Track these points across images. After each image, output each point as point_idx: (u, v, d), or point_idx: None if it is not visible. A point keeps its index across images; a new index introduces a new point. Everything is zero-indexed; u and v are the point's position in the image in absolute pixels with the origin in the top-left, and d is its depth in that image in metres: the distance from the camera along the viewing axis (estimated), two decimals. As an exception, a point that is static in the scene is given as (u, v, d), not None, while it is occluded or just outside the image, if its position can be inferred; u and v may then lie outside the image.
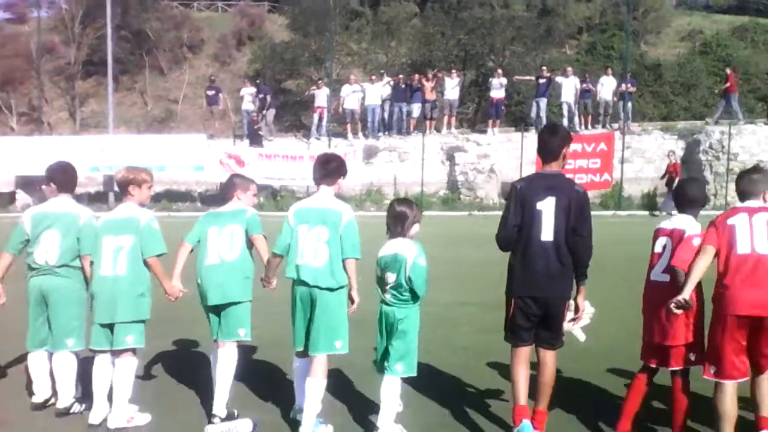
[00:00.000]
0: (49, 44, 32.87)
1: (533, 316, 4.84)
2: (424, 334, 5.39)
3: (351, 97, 25.57)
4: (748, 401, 4.86)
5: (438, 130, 26.36)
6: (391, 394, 4.97)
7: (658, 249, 4.91)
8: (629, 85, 25.32)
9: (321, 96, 25.98)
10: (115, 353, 5.34)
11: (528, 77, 26.74)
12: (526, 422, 4.73)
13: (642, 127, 26.16)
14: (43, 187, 5.81)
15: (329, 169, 5.19)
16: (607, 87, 25.52)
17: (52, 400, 5.66)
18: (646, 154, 24.71)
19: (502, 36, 31.49)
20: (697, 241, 4.72)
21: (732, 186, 21.85)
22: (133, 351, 5.40)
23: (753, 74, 31.33)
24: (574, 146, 23.57)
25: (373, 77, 26.45)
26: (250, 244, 5.47)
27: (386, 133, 25.99)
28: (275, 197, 23.76)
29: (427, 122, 25.95)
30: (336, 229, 4.96)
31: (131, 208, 5.35)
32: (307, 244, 4.98)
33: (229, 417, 5.37)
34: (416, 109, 25.80)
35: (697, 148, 24.18)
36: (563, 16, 36.86)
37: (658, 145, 24.89)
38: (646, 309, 4.98)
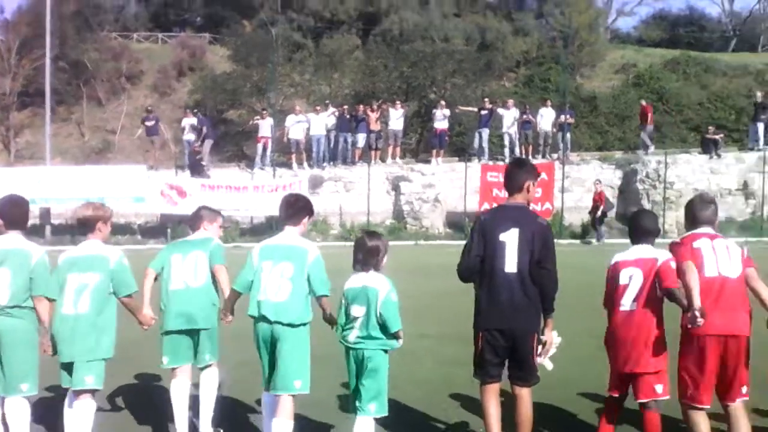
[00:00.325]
0: (-16, 75, 31.97)
1: (501, 349, 4.82)
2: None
3: (296, 127, 25.58)
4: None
5: (383, 160, 26.50)
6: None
7: (623, 281, 4.91)
8: (568, 116, 25.99)
9: (265, 126, 25.88)
10: (74, 394, 5.18)
11: (470, 108, 27.18)
12: None
13: (581, 157, 26.81)
14: None
15: (295, 208, 5.23)
16: (546, 118, 26.16)
17: None
18: (585, 184, 25.27)
19: (443, 69, 31.95)
20: (674, 264, 4.86)
21: (670, 214, 22.84)
22: (92, 393, 5.19)
23: (685, 105, 32.46)
24: (517, 176, 24.07)
25: (318, 108, 26.50)
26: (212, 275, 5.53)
27: (331, 163, 26.01)
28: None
29: (372, 152, 26.11)
30: (302, 266, 4.93)
31: (97, 246, 5.25)
32: (271, 280, 4.94)
33: None
34: (361, 139, 25.97)
35: (634, 178, 24.88)
36: (501, 50, 37.68)
37: (596, 174, 25.50)
38: (614, 339, 4.95)
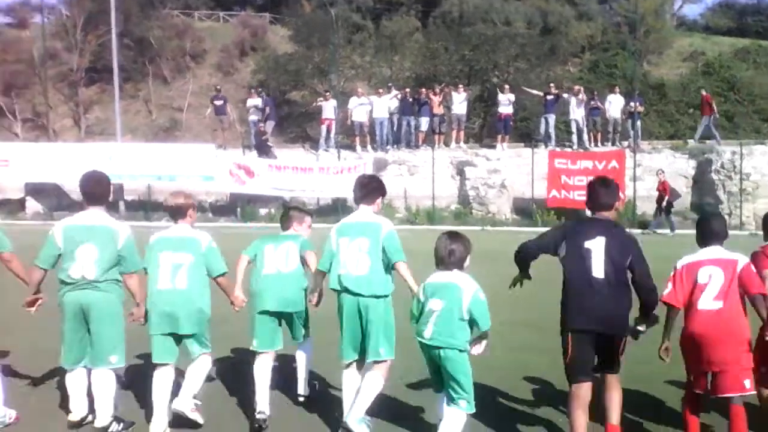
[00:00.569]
0: (52, 50, 32.48)
1: (589, 349, 4.88)
2: None
3: (359, 109, 25.46)
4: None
5: (446, 144, 26.26)
6: (454, 428, 4.87)
7: (703, 279, 4.92)
8: (638, 104, 25.37)
9: (328, 108, 25.82)
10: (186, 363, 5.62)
11: (535, 91, 26.75)
12: None
13: (652, 146, 26.17)
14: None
15: (369, 189, 5.56)
16: (615, 105, 25.58)
17: (89, 418, 5.52)
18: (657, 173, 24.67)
19: (505, 52, 31.52)
20: (753, 267, 4.98)
21: (747, 206, 22.23)
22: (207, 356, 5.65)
23: (757, 95, 31.52)
24: (585, 163, 23.69)
25: (380, 90, 26.34)
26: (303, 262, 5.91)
27: (395, 146, 25.86)
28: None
29: (436, 136, 25.88)
30: (377, 240, 5.22)
31: (188, 230, 5.58)
32: (349, 255, 5.26)
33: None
34: (424, 122, 25.74)
35: (708, 168, 24.21)
36: (565, 35, 37.03)
37: (668, 163, 24.86)
38: (696, 338, 4.92)
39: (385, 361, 5.28)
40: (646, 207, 22.54)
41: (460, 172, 25.09)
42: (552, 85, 26.40)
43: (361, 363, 5.42)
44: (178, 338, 5.46)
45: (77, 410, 5.47)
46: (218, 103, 26.58)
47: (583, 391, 4.86)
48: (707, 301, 4.85)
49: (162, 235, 5.57)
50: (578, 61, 36.68)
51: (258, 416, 5.55)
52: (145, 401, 5.75)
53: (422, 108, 25.77)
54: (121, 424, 5.43)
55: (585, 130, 25.50)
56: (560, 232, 5.12)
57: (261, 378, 5.71)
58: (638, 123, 25.50)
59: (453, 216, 23.37)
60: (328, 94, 26.57)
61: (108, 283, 5.36)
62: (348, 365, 5.41)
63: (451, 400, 4.87)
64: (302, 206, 23.39)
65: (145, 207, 22.90)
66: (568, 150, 25.04)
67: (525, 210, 23.79)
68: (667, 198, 21.72)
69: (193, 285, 5.40)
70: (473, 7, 39.56)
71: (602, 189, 5.07)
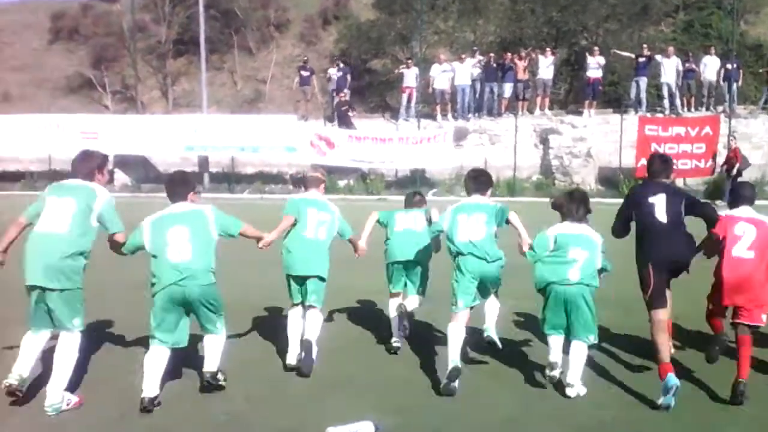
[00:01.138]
0: (141, 23, 33.33)
1: (666, 276, 6.12)
2: None
3: (441, 76, 25.07)
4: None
5: (530, 111, 25.63)
6: (582, 357, 5.95)
7: (739, 233, 6.10)
8: (735, 66, 24.00)
9: (410, 76, 25.52)
10: (306, 308, 6.51)
11: (627, 54, 25.69)
12: (671, 375, 5.62)
13: (748, 110, 24.81)
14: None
15: (480, 182, 6.58)
16: (710, 67, 24.34)
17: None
18: (752, 140, 23.39)
19: (595, 13, 30.36)
20: None
21: None
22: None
23: None
24: (678, 129, 22.66)
25: (463, 56, 25.83)
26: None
27: (476, 114, 25.42)
28: (365, 180, 23.53)
29: (520, 103, 25.28)
30: (491, 215, 6.30)
31: (321, 196, 6.86)
32: (470, 226, 6.28)
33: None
34: (508, 89, 25.17)
35: (810, 134, 22.80)
36: (659, -8, 35.31)
37: (765, 129, 23.57)
38: (726, 278, 6.07)
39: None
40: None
41: (544, 141, 24.46)
42: (645, 46, 25.32)
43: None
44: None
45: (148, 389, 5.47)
46: (305, 74, 26.67)
47: (662, 315, 6.02)
48: (740, 251, 6.07)
49: (305, 197, 6.80)
50: (672, 21, 34.96)
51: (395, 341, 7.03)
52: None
53: (506, 74, 25.16)
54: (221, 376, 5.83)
55: (677, 94, 24.40)
56: (629, 201, 6.44)
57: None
58: (734, 86, 24.17)
59: (534, 187, 22.87)
60: (409, 61, 26.24)
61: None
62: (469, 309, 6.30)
63: (579, 336, 5.93)
64: (380, 178, 23.61)
65: (229, 179, 23.33)
66: (660, 116, 24.01)
67: (611, 180, 22.98)
68: (738, 166, 20.51)
69: (329, 239, 6.67)
70: (561, -34, 38.19)
71: (659, 161, 6.63)
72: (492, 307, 6.68)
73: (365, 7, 36.71)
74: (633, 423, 5.43)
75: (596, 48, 25.77)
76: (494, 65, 25.26)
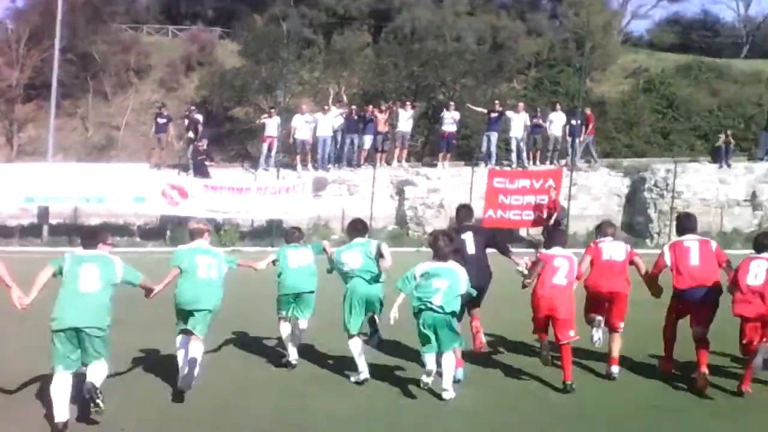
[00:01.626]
0: (-9, 67, 31.85)
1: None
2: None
3: (303, 127, 25.24)
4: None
5: (389, 163, 26.21)
6: (452, 365, 7.79)
7: (557, 264, 8.43)
8: (579, 122, 25.55)
9: (271, 125, 25.48)
10: (188, 338, 8.09)
11: (479, 109, 26.80)
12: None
13: (588, 164, 26.40)
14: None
15: (358, 228, 8.91)
16: (556, 123, 25.78)
17: None
18: (591, 191, 24.91)
19: (453, 69, 31.61)
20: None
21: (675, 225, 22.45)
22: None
23: (694, 112, 32.03)
24: (523, 182, 23.71)
25: (326, 107, 26.15)
26: None
27: (336, 165, 25.71)
28: (218, 231, 23.10)
29: (378, 155, 25.80)
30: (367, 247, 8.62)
31: (208, 244, 8.40)
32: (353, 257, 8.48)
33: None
34: (368, 140, 25.64)
35: (642, 186, 24.51)
36: (513, 51, 37.28)
37: (604, 182, 25.15)
38: (540, 300, 8.37)
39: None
40: (578, 227, 22.48)
41: (400, 192, 25.01)
42: (497, 102, 26.53)
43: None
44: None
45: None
46: (161, 121, 26.01)
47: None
48: (559, 279, 8.35)
49: (195, 246, 8.22)
50: (523, 78, 36.95)
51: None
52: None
53: (367, 125, 25.64)
54: None
55: (524, 148, 25.65)
56: (455, 237, 8.41)
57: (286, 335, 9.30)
58: (578, 141, 25.69)
59: (389, 237, 23.22)
60: (272, 110, 26.22)
61: None
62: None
63: (448, 348, 7.66)
64: (234, 228, 23.33)
65: (71, 232, 22.16)
66: (507, 169, 25.14)
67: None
68: (555, 215, 21.86)
69: (220, 277, 8.15)
70: (426, 23, 39.65)
71: (464, 210, 9.48)
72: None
73: (231, 54, 36.61)
74: None
75: (452, 103, 26.81)
76: (355, 117, 25.71)
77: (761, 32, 49.68)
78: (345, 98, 26.30)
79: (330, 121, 25.35)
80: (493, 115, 25.52)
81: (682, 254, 8.31)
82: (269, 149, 25.60)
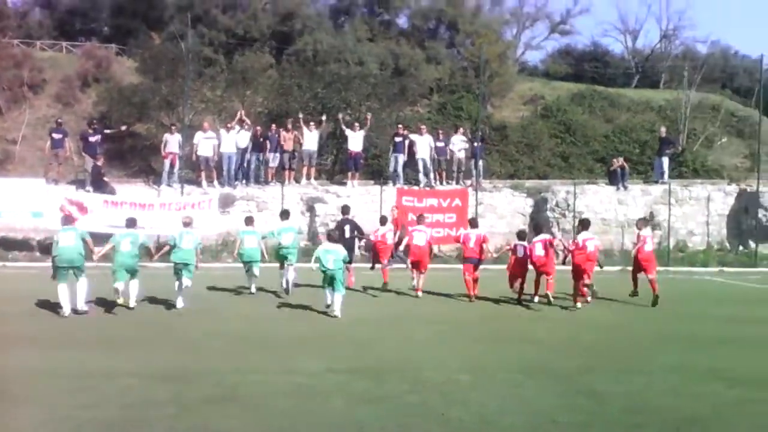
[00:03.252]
0: None
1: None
2: (287, 408, 6.75)
3: (204, 143, 24.88)
4: None
5: (297, 180, 26.10)
6: (341, 300, 13.27)
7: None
8: (480, 144, 26.31)
9: (172, 142, 25.01)
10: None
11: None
12: None
13: (493, 184, 27.16)
14: None
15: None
16: (458, 145, 26.47)
17: None
18: (497, 210, 25.60)
19: (357, 92, 31.91)
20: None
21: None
22: None
23: (591, 137, 33.56)
24: (431, 201, 24.18)
25: (229, 125, 25.87)
26: None
27: (243, 182, 25.41)
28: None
29: (286, 172, 25.69)
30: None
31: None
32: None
33: None
34: (274, 159, 25.53)
35: (544, 206, 25.40)
36: (415, 77, 38.07)
37: (508, 201, 25.90)
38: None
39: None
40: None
41: (311, 209, 24.95)
42: (400, 126, 27.02)
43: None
44: None
45: None
46: (57, 136, 25.00)
47: None
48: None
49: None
50: (427, 103, 37.74)
51: None
52: None
53: (273, 144, 25.57)
54: None
55: (431, 168, 26.17)
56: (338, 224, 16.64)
57: None
58: (480, 163, 26.42)
59: (302, 254, 23.02)
60: (173, 127, 25.74)
61: None
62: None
63: (338, 290, 13.17)
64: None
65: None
66: (415, 188, 25.52)
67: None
68: (398, 233, 22.24)
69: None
70: (327, 47, 39.93)
71: (344, 208, 18.35)
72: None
73: (128, 71, 35.60)
74: None
75: (357, 124, 27.05)
76: (260, 136, 25.56)
77: (649, 64, 52.82)
78: (247, 121, 25.90)
79: (234, 138, 25.09)
80: (398, 139, 25.99)
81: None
82: (171, 165, 25.08)
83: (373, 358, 9.62)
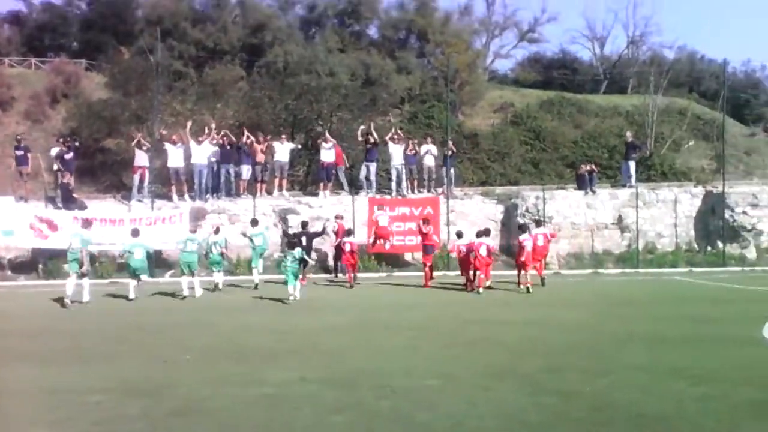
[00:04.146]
0: None
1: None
2: (258, 420, 6.61)
3: (174, 155, 24.76)
4: None
5: (269, 192, 26.07)
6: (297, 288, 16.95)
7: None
8: (451, 153, 26.49)
9: (141, 156, 24.91)
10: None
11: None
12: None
13: (464, 192, 27.36)
14: None
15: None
16: (429, 154, 26.62)
17: None
18: (469, 217, 25.77)
19: (329, 102, 32.04)
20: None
21: (550, 246, 23.64)
22: None
23: (561, 143, 33.96)
24: (403, 209, 24.34)
25: (201, 138, 25.79)
26: None
27: (215, 195, 25.32)
28: (93, 263, 22.10)
29: (258, 184, 25.65)
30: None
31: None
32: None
33: None
34: (246, 171, 25.46)
35: (515, 212, 25.63)
36: (386, 87, 38.31)
37: (479, 209, 26.10)
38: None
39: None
40: (460, 249, 23.20)
41: (283, 220, 24.93)
42: (368, 134, 27.08)
43: None
44: None
45: None
46: (19, 153, 24.80)
47: None
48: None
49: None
50: (398, 112, 37.96)
51: None
52: None
53: (244, 156, 25.50)
54: None
55: (404, 177, 26.29)
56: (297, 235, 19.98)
57: None
58: (452, 170, 26.62)
59: (274, 265, 23.06)
60: (141, 141, 25.56)
61: None
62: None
63: (292, 282, 16.83)
64: (111, 260, 22.44)
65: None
66: (387, 197, 25.64)
67: (345, 255, 23.89)
68: (339, 240, 22.38)
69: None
70: (298, 58, 40.08)
71: (303, 222, 21.43)
72: None
73: (98, 86, 35.47)
74: None
75: (327, 134, 27.12)
76: (229, 147, 25.44)
77: (617, 69, 53.57)
78: (214, 134, 25.66)
79: (205, 150, 25.01)
80: (369, 146, 26.06)
81: None
82: (141, 180, 24.97)
83: (344, 366, 9.67)
